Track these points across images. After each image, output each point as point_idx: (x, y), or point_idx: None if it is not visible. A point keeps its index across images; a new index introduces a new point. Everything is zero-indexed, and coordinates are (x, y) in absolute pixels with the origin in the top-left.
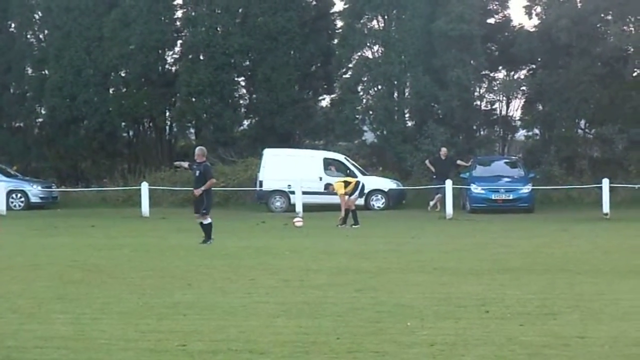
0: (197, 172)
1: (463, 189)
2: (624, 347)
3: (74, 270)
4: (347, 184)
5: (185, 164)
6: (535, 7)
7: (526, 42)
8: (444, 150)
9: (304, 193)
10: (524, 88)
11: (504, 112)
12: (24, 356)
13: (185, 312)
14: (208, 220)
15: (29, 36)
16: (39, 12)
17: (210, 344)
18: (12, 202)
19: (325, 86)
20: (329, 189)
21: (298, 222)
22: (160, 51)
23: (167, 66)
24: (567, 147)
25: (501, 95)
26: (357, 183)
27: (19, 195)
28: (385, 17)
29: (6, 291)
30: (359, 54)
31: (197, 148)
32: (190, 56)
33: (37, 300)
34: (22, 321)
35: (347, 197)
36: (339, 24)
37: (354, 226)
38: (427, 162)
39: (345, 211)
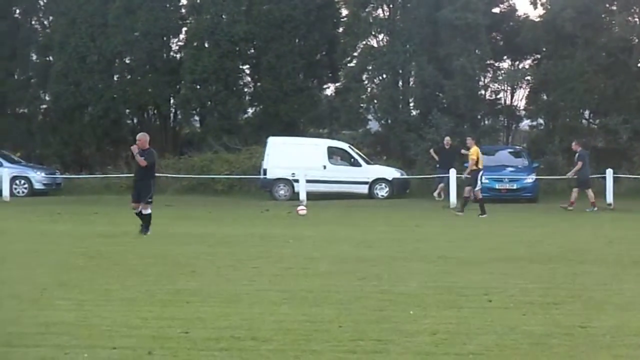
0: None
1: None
2: (626, 337)
3: (77, 257)
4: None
5: (136, 150)
6: None
7: (531, 32)
8: (447, 139)
9: (308, 181)
10: (528, 78)
11: (508, 102)
12: (25, 342)
13: (189, 299)
14: (148, 211)
15: (33, 22)
16: None
17: (213, 331)
18: (15, 189)
19: (330, 75)
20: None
21: (302, 210)
22: (164, 38)
23: (171, 53)
24: (571, 137)
25: (506, 85)
26: (479, 171)
27: (22, 181)
28: (391, 5)
29: (8, 277)
30: (364, 42)
31: (139, 134)
32: (195, 43)
33: (39, 286)
34: (24, 307)
35: (469, 187)
36: (344, 12)
37: (481, 216)
38: (431, 151)
39: (479, 202)
